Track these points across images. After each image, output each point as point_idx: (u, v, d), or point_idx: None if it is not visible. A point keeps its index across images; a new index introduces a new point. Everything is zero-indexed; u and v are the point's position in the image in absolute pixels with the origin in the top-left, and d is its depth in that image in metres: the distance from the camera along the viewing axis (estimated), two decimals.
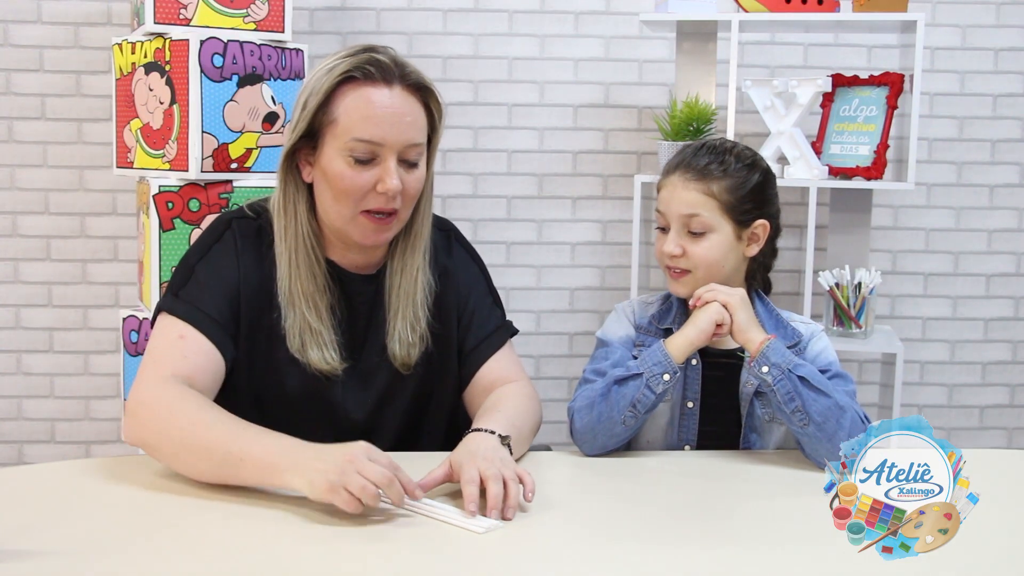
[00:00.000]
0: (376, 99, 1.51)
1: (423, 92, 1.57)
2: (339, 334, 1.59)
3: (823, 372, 1.61)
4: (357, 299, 1.62)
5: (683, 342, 1.61)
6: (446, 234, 1.73)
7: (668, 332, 1.67)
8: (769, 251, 1.74)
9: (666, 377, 1.58)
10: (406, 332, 1.61)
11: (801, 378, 1.55)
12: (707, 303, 1.62)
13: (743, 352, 1.63)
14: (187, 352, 1.51)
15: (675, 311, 1.72)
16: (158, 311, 1.57)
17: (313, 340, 1.56)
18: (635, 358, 1.65)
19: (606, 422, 1.59)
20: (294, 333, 1.56)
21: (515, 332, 1.77)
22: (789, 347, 1.62)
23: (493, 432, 1.49)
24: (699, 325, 1.61)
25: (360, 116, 1.50)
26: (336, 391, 1.60)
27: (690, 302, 1.66)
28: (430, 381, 1.66)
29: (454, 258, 1.72)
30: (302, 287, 1.55)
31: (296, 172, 1.57)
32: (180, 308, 1.54)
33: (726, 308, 1.61)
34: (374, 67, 1.51)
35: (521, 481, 1.38)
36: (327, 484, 1.28)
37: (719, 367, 1.68)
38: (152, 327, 1.58)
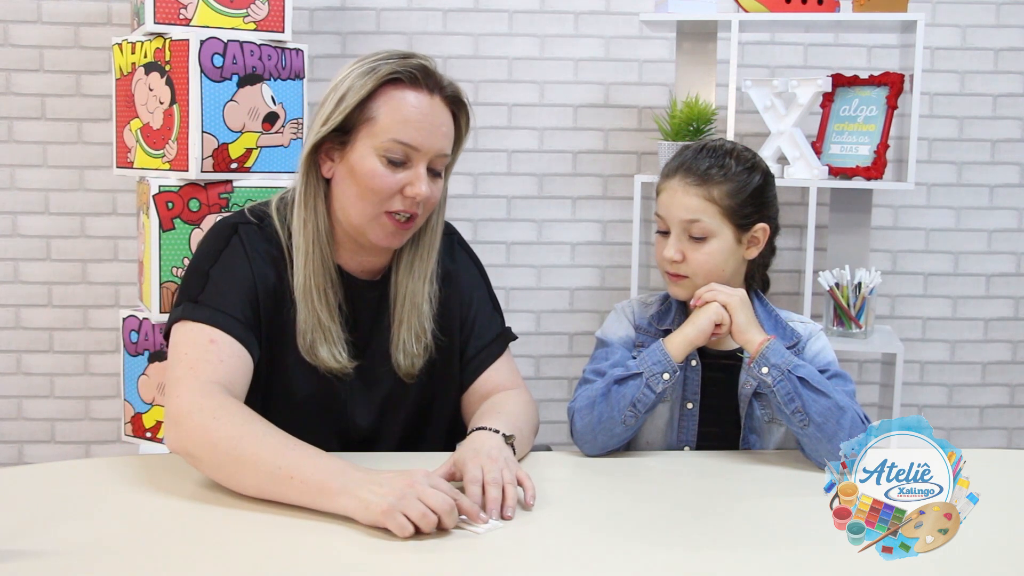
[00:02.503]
0: (418, 104, 1.52)
1: (456, 106, 1.59)
2: (347, 331, 1.59)
3: (822, 372, 1.61)
4: (360, 304, 1.62)
5: (682, 341, 1.61)
6: (448, 237, 1.73)
7: (667, 333, 1.67)
8: (768, 251, 1.73)
9: (666, 376, 1.58)
10: (411, 343, 1.61)
11: (801, 379, 1.55)
12: (707, 303, 1.62)
13: (743, 353, 1.63)
14: (222, 356, 1.49)
15: (674, 312, 1.72)
16: (177, 320, 1.53)
17: (322, 337, 1.56)
18: (635, 358, 1.65)
19: (606, 422, 1.59)
20: (305, 330, 1.55)
21: (514, 338, 1.77)
22: (788, 347, 1.62)
23: (497, 431, 1.49)
24: (698, 325, 1.61)
25: (401, 118, 1.51)
26: (341, 395, 1.60)
27: (691, 302, 1.66)
28: (432, 388, 1.67)
29: (456, 261, 1.73)
30: (316, 281, 1.56)
31: (316, 167, 1.58)
32: (203, 313, 1.51)
33: (726, 308, 1.61)
34: (420, 72, 1.53)
35: (521, 485, 1.38)
36: (385, 507, 1.25)
37: (719, 368, 1.68)
38: (166, 338, 1.55)
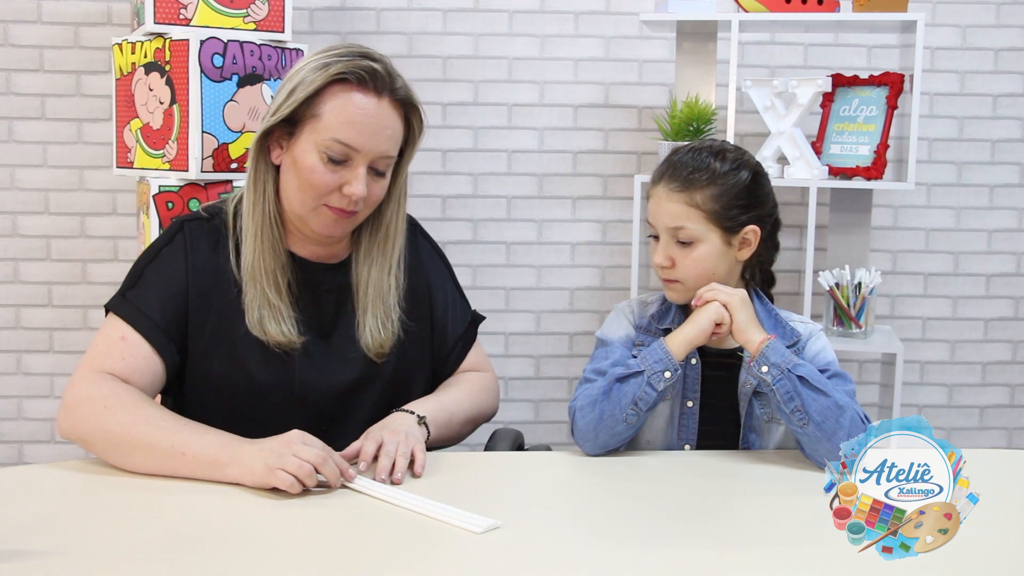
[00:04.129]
0: (363, 106, 1.54)
1: (407, 108, 1.60)
2: (297, 311, 1.62)
3: (822, 371, 1.61)
4: (320, 288, 1.65)
5: (683, 340, 1.61)
6: (410, 228, 1.75)
7: (667, 332, 1.67)
8: (770, 247, 1.73)
9: (667, 374, 1.59)
10: (377, 329, 1.64)
11: (800, 378, 1.55)
12: (707, 302, 1.62)
13: (743, 352, 1.63)
14: (126, 354, 1.55)
15: (674, 311, 1.72)
16: (106, 310, 1.60)
17: (271, 315, 1.59)
18: (635, 357, 1.65)
19: (608, 420, 1.59)
20: (253, 308, 1.59)
21: (482, 319, 1.84)
22: (787, 347, 1.62)
23: (412, 412, 1.58)
24: (699, 324, 1.61)
25: (345, 119, 1.53)
26: (303, 377, 1.61)
27: (692, 301, 1.66)
28: (404, 369, 1.69)
29: (420, 252, 1.76)
30: (264, 263, 1.59)
31: (267, 152, 1.61)
32: (125, 310, 1.58)
33: (726, 308, 1.61)
34: (368, 74, 1.55)
35: (413, 457, 1.48)
36: (265, 467, 1.37)
37: (719, 367, 1.68)
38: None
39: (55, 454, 3.01)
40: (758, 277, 1.75)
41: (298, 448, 1.39)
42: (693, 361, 1.67)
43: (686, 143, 1.75)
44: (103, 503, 1.37)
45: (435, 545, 1.24)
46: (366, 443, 1.49)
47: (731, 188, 1.64)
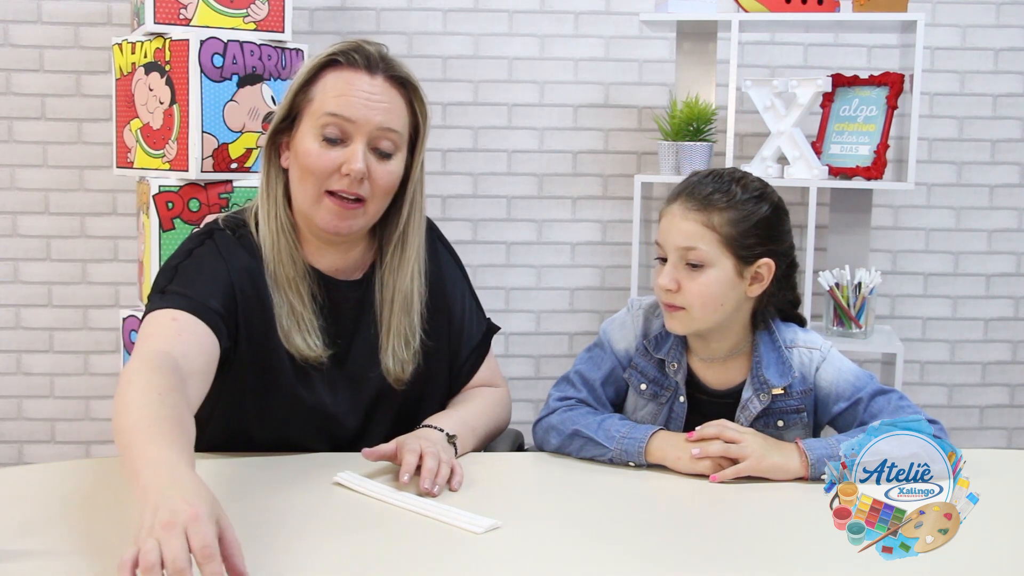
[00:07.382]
0: (355, 82, 1.52)
1: (407, 88, 1.56)
2: (322, 319, 1.58)
3: (854, 404, 1.56)
4: (343, 305, 1.61)
5: (660, 456, 1.52)
6: (429, 233, 1.70)
7: (662, 364, 1.63)
8: (785, 288, 1.63)
9: (631, 465, 1.54)
10: (401, 349, 1.60)
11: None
12: (705, 457, 1.50)
13: (743, 391, 1.59)
14: (181, 331, 1.43)
15: (672, 341, 1.64)
16: (145, 314, 1.49)
17: (296, 325, 1.54)
18: (625, 377, 1.65)
19: (562, 450, 1.60)
20: (281, 315, 1.54)
21: (497, 329, 1.80)
22: (780, 391, 1.57)
23: (442, 430, 1.54)
24: (682, 465, 1.51)
25: (335, 94, 1.51)
26: (326, 396, 1.59)
27: (692, 451, 1.50)
28: (420, 390, 1.66)
29: (440, 260, 1.71)
30: (284, 271, 1.56)
31: (276, 158, 1.59)
32: (169, 300, 1.46)
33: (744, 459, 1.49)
34: (359, 55, 1.53)
35: (452, 469, 1.43)
36: (139, 532, 1.05)
37: (712, 405, 1.61)
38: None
39: (55, 454, 3.01)
40: (770, 315, 1.64)
41: (169, 540, 1.02)
42: (681, 399, 1.63)
43: (703, 170, 1.65)
44: (103, 503, 1.37)
45: (435, 545, 1.24)
46: (407, 456, 1.41)
47: (750, 216, 1.56)
